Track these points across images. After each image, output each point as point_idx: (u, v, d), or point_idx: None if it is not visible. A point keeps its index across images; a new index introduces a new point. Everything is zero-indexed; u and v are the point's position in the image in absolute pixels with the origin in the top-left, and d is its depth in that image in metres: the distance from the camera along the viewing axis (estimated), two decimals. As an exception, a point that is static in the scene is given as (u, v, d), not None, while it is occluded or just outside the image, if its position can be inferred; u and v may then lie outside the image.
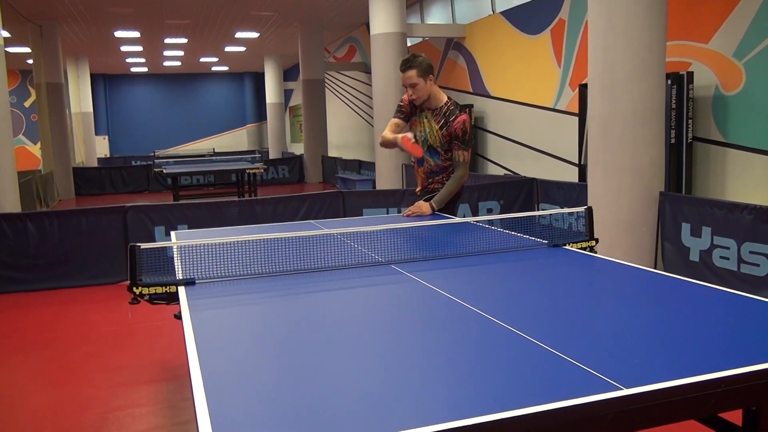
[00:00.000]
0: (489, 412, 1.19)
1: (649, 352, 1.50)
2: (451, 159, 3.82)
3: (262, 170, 11.82)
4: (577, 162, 8.18)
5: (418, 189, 4.05)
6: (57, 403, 3.57)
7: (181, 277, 2.34)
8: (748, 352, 1.47)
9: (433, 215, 3.70)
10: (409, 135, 3.73)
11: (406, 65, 3.69)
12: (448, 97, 3.84)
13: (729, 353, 1.48)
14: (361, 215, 6.82)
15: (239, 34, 17.86)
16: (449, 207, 3.86)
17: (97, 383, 3.84)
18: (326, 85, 18.10)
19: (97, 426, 3.28)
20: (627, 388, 1.28)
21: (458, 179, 3.79)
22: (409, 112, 3.92)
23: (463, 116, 3.72)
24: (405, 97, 3.92)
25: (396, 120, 3.91)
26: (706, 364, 1.40)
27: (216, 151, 24.91)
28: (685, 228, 5.37)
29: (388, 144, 3.85)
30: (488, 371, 1.43)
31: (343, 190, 7.49)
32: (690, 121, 6.59)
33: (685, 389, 1.30)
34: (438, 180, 3.89)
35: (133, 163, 20.47)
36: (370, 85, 11.66)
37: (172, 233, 3.47)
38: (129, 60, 23.17)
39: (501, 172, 10.88)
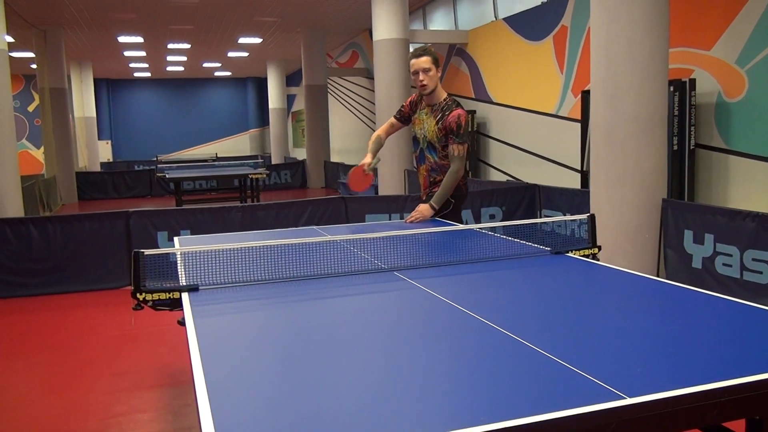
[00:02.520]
0: (492, 421, 1.19)
1: (653, 360, 1.50)
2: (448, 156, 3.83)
3: (265, 175, 11.81)
4: (579, 168, 8.18)
5: (422, 194, 4.06)
6: (59, 409, 3.57)
7: (184, 284, 2.34)
8: (751, 361, 1.47)
9: (436, 222, 3.70)
10: (366, 164, 3.90)
11: (420, 51, 3.79)
12: (448, 95, 3.89)
13: (732, 362, 1.47)
14: (364, 221, 6.82)
15: (242, 40, 17.91)
16: (453, 213, 3.86)
17: (99, 388, 3.84)
18: (329, 90, 18.14)
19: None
20: (630, 397, 1.28)
21: (454, 174, 3.79)
22: (409, 114, 4.03)
23: (459, 110, 3.76)
24: (408, 100, 4.01)
25: (392, 120, 4.14)
26: (710, 373, 1.39)
27: (218, 156, 24.92)
28: (688, 235, 5.36)
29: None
30: (490, 380, 1.44)
31: (346, 195, 7.49)
32: (692, 128, 6.60)
33: (688, 399, 1.30)
34: (440, 180, 3.89)
35: (136, 167, 20.54)
36: (373, 91, 11.67)
37: (176, 239, 3.47)
38: (132, 65, 23.25)
39: (503, 178, 10.89)
